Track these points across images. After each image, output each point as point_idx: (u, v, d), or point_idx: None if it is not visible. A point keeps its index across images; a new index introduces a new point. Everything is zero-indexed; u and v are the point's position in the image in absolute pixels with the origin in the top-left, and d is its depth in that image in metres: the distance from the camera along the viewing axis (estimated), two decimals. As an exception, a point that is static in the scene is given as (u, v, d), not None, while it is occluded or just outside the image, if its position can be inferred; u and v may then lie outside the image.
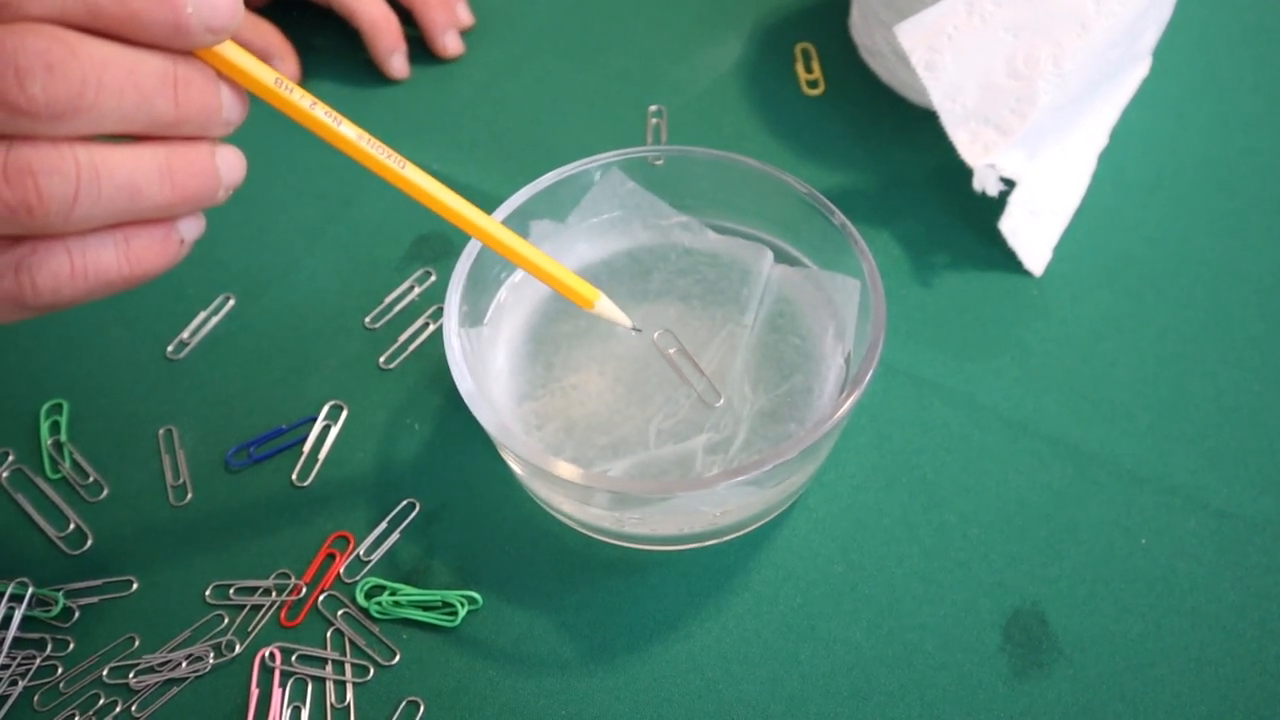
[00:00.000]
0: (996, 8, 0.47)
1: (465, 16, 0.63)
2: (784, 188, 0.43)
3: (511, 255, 0.37)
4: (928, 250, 0.51)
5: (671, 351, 0.43)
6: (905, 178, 0.54)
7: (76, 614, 0.42)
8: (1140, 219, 0.52)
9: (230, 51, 0.29)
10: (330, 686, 0.40)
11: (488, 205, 0.43)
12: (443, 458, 0.45)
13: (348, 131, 0.32)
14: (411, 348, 0.49)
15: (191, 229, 0.31)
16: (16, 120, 0.25)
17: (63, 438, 0.47)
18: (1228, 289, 0.49)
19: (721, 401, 0.42)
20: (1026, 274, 0.50)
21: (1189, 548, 0.42)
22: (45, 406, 0.48)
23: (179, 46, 0.28)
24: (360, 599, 0.42)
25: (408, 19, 0.61)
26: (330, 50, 0.62)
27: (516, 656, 0.40)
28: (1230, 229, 0.51)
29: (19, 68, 0.25)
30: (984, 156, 0.47)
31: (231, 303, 0.51)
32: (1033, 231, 0.50)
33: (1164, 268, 0.50)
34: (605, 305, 0.40)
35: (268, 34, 0.59)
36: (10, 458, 0.46)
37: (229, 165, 0.31)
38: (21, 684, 0.40)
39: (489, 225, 0.36)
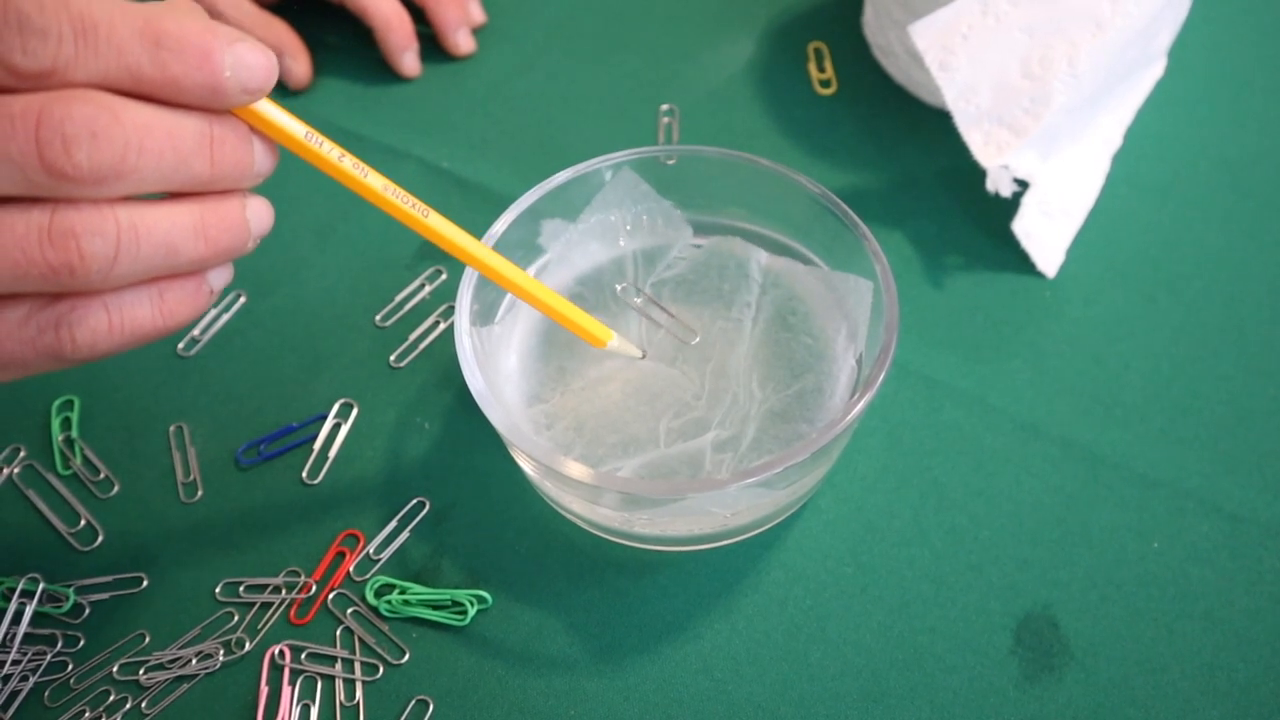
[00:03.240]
0: (1011, 7, 0.47)
1: (477, 14, 0.63)
2: (796, 188, 0.43)
3: (535, 302, 0.38)
4: (940, 251, 0.51)
5: (638, 300, 0.43)
6: (917, 178, 0.54)
7: (87, 610, 0.42)
8: (1154, 220, 0.52)
9: (263, 106, 0.30)
10: (339, 685, 0.40)
11: (499, 204, 0.44)
12: (453, 456, 0.45)
13: (374, 182, 0.33)
14: (422, 346, 0.49)
15: (220, 278, 0.32)
16: (62, 185, 0.26)
17: (74, 434, 0.47)
18: (1242, 291, 0.49)
19: (729, 399, 0.42)
20: (1039, 275, 0.50)
21: (1202, 552, 0.41)
22: (57, 403, 0.48)
23: (216, 107, 0.28)
24: (370, 597, 0.42)
25: (420, 17, 0.61)
26: (342, 48, 0.62)
27: (526, 656, 0.40)
28: (1245, 230, 0.51)
29: (65, 136, 0.25)
30: (997, 157, 0.47)
31: (243, 300, 0.51)
32: (1046, 233, 0.50)
33: (1178, 269, 0.50)
34: (616, 343, 0.41)
35: (280, 32, 0.59)
36: (21, 454, 0.46)
37: (258, 217, 0.31)
38: (32, 680, 0.40)
39: (512, 272, 0.37)
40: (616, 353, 0.41)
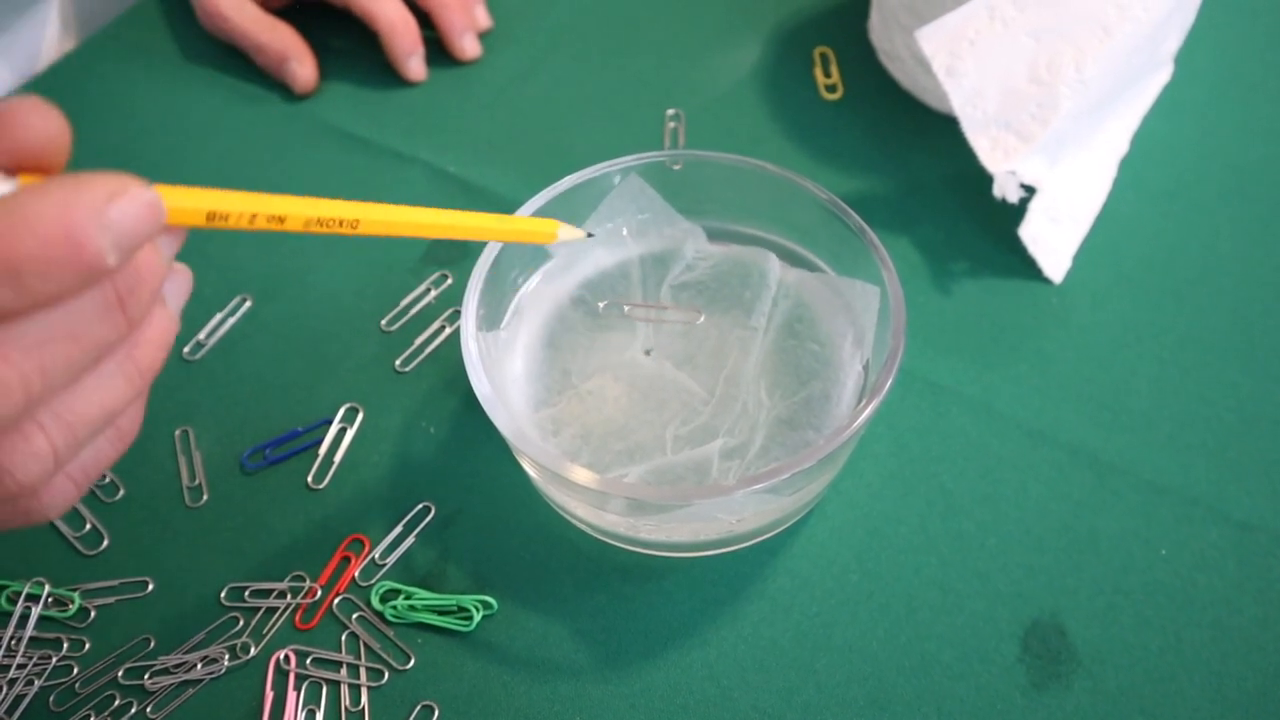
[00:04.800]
0: (1018, 13, 0.47)
1: (483, 19, 0.63)
2: (803, 193, 0.43)
3: (474, 233, 0.35)
4: (946, 257, 0.51)
5: (626, 310, 0.43)
6: (924, 184, 0.54)
7: (92, 614, 0.42)
8: (1161, 226, 0.51)
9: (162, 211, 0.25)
10: (345, 690, 0.40)
11: (505, 208, 0.44)
12: (458, 461, 0.45)
13: (294, 224, 0.29)
14: (428, 351, 0.49)
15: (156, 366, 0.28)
16: None
17: (80, 438, 0.47)
18: (1250, 297, 0.49)
19: (738, 407, 0.42)
20: (1046, 281, 0.49)
21: (1210, 559, 0.41)
22: (62, 406, 0.48)
23: (108, 277, 0.24)
24: (375, 602, 0.41)
25: (425, 21, 0.61)
26: (347, 52, 0.62)
27: (531, 662, 0.40)
28: (1253, 236, 0.51)
29: None
30: (1004, 163, 0.47)
31: (248, 304, 0.51)
32: (1053, 238, 0.50)
33: (1185, 275, 0.50)
34: (565, 231, 0.38)
35: (285, 36, 0.59)
36: (27, 457, 0.46)
37: (179, 297, 0.28)
38: (38, 683, 0.40)
39: (448, 218, 0.34)
40: (567, 240, 0.39)
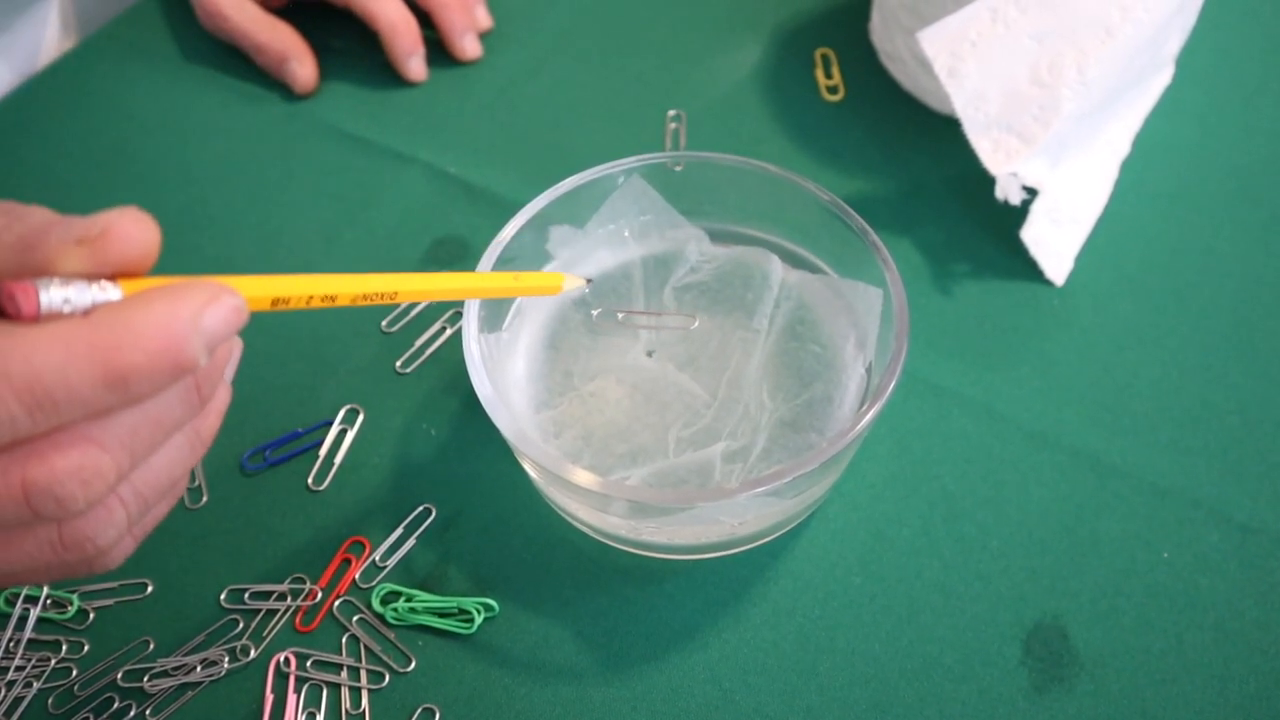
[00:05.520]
0: (1020, 14, 0.47)
1: (484, 19, 0.63)
2: (805, 194, 0.43)
3: (495, 292, 0.39)
4: (948, 259, 0.51)
5: (619, 318, 0.44)
6: (926, 185, 0.54)
7: (91, 616, 0.42)
8: (1163, 228, 0.51)
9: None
10: (345, 693, 0.40)
11: (506, 209, 0.44)
12: (459, 463, 0.45)
13: (344, 300, 0.31)
14: (429, 352, 0.49)
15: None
16: (71, 521, 0.26)
17: (79, 439, 0.47)
18: (1252, 299, 0.49)
19: (740, 409, 0.42)
20: (1048, 283, 0.49)
21: (1212, 562, 0.41)
22: (62, 407, 0.47)
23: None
24: (376, 605, 0.41)
25: (426, 21, 0.61)
26: (348, 52, 0.62)
27: (532, 664, 0.40)
28: (1255, 238, 0.51)
29: (57, 497, 0.24)
30: (1006, 164, 0.47)
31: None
32: (1055, 240, 0.49)
33: (1187, 278, 0.49)
34: (569, 282, 0.40)
35: (285, 35, 0.59)
36: (26, 458, 0.46)
37: (232, 372, 0.30)
38: (36, 686, 0.40)
39: (474, 282, 0.38)
40: (570, 289, 0.41)
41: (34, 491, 0.24)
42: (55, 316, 0.24)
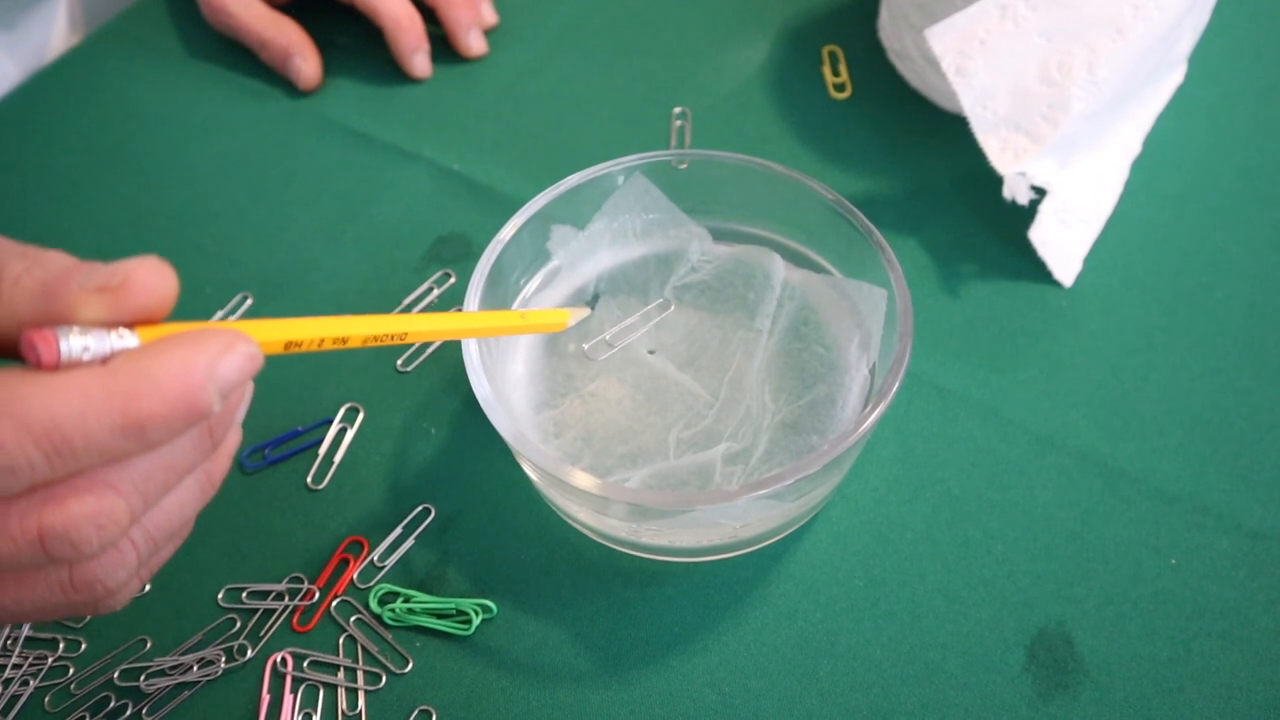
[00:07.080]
0: (1030, 12, 0.46)
1: (489, 15, 0.62)
2: (809, 193, 0.42)
3: (503, 331, 0.39)
4: (955, 259, 0.50)
5: (608, 339, 0.44)
6: (933, 185, 0.53)
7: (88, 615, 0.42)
8: (1174, 229, 0.51)
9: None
10: (342, 693, 0.39)
11: (509, 206, 0.43)
12: (459, 463, 0.45)
13: (355, 342, 0.31)
14: (429, 351, 0.49)
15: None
16: (82, 564, 0.27)
17: (79, 436, 0.46)
18: (1263, 302, 0.48)
19: (742, 410, 0.41)
20: (1056, 285, 0.49)
21: (1220, 569, 0.41)
22: (62, 404, 0.47)
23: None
24: (373, 605, 0.41)
25: (431, 17, 0.61)
26: (352, 48, 0.61)
27: (530, 667, 0.40)
28: (1266, 240, 0.50)
29: (72, 541, 0.25)
30: (1015, 164, 0.46)
31: (249, 302, 0.51)
32: (1063, 241, 0.49)
33: (1198, 280, 0.49)
34: (574, 319, 0.41)
35: (290, 32, 0.59)
36: (26, 455, 0.46)
37: (243, 414, 0.30)
38: (33, 684, 0.40)
39: (481, 321, 0.38)
40: (574, 323, 0.42)
41: (50, 536, 0.25)
42: (75, 364, 0.24)
